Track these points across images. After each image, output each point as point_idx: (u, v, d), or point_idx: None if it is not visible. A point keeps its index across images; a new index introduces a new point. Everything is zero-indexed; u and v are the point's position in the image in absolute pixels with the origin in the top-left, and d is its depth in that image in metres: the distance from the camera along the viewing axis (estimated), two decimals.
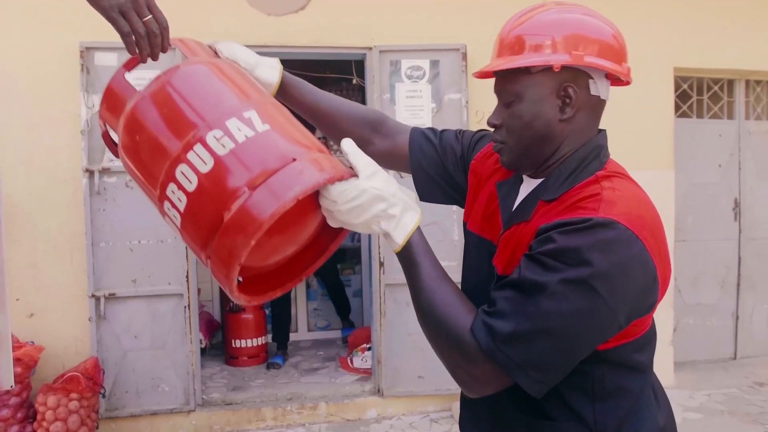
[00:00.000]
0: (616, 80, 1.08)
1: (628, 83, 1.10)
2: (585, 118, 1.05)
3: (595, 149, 1.05)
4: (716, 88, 4.49)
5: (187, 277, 3.57)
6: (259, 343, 4.51)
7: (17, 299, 3.46)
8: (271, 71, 1.20)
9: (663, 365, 4.21)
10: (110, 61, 3.46)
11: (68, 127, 3.43)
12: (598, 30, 1.03)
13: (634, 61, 3.51)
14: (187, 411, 3.59)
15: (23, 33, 3.43)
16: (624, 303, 0.91)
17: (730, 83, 4.53)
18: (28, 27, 3.44)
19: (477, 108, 3.91)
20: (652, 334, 1.04)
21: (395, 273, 3.75)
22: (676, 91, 4.41)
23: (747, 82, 4.57)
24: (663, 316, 4.20)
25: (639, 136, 4.13)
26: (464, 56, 3.75)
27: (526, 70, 1.01)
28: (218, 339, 4.98)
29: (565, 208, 0.97)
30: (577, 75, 1.01)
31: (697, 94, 4.47)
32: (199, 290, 4.88)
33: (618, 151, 3.68)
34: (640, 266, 0.91)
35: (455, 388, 3.51)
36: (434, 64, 3.78)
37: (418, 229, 1.00)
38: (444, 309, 0.97)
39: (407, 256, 1.00)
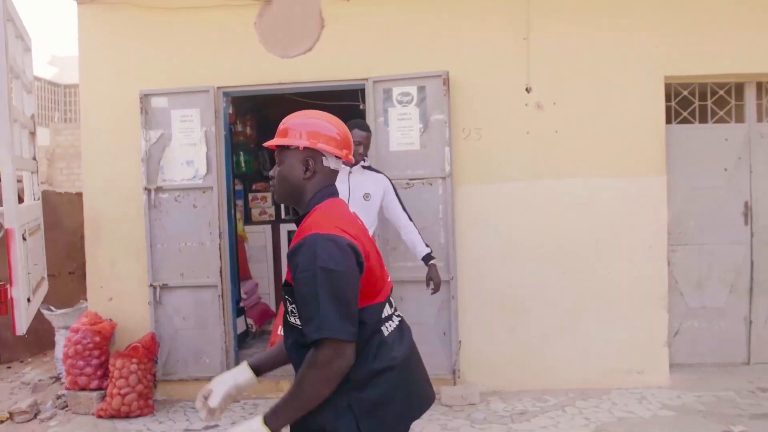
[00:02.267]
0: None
1: (350, 161, 1.81)
2: (321, 177, 1.74)
3: (321, 194, 1.74)
4: (722, 92, 4.56)
5: (220, 272, 4.55)
6: None
7: (101, 287, 4.68)
8: (245, 374, 1.82)
9: (657, 366, 4.45)
10: (162, 103, 4.54)
11: (133, 156, 4.55)
12: (328, 130, 1.75)
13: (624, 73, 4.04)
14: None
15: (103, 84, 4.63)
16: (348, 263, 1.56)
17: (739, 87, 4.57)
18: (105, 79, 4.63)
19: (463, 126, 4.46)
20: (377, 306, 1.68)
21: (393, 272, 4.41)
22: (675, 98, 4.57)
23: (759, 84, 4.57)
24: (657, 318, 4.43)
25: (630, 144, 4.39)
26: (445, 81, 4.33)
27: (287, 147, 1.74)
28: (271, 326, 5.96)
29: (298, 233, 1.67)
30: (315, 153, 1.72)
31: (701, 100, 4.57)
32: (256, 284, 5.91)
33: (609, 159, 4.15)
34: (350, 248, 1.58)
35: (442, 374, 4.13)
36: (421, 89, 4.40)
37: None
38: (311, 386, 1.53)
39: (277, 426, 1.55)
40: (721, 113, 4.59)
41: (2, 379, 5.28)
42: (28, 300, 2.71)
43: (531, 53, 4.40)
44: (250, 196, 6.15)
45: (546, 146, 4.43)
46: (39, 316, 5.17)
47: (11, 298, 2.46)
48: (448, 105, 4.34)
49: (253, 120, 6.25)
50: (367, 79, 4.45)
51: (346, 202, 3.35)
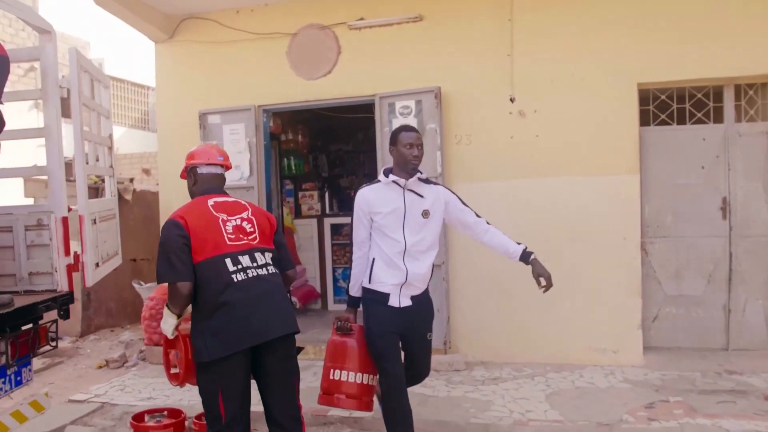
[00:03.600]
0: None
1: (227, 167, 2.89)
2: (201, 183, 2.90)
3: (198, 195, 2.88)
4: (700, 95, 5.01)
5: None
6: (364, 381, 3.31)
7: None
8: None
9: (632, 347, 5.01)
10: (216, 120, 5.79)
11: None
12: (193, 153, 2.95)
13: (599, 81, 4.83)
14: None
15: (172, 105, 5.98)
16: (173, 240, 2.65)
17: (718, 89, 4.99)
18: (174, 101, 5.97)
19: (455, 132, 5.30)
20: (209, 260, 2.70)
21: None
22: (654, 102, 5.09)
23: (737, 86, 4.96)
24: (631, 304, 5.00)
25: (604, 146, 5.00)
26: (437, 95, 5.18)
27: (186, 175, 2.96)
28: (317, 306, 7.08)
29: None
30: (193, 170, 2.89)
31: (680, 103, 5.05)
32: (304, 269, 7.06)
33: (585, 160, 4.97)
34: (173, 225, 2.67)
35: (435, 345, 4.98)
36: (418, 103, 5.28)
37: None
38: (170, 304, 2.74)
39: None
40: (699, 115, 5.03)
41: (106, 339, 6.86)
42: (97, 264, 3.97)
43: (514, 67, 5.14)
44: (300, 194, 7.31)
45: (528, 149, 5.14)
46: (136, 292, 6.68)
47: (82, 262, 3.72)
48: (439, 115, 5.19)
49: (305, 130, 7.42)
50: (375, 96, 5.41)
51: (402, 221, 3.19)
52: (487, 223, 3.42)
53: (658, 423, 3.86)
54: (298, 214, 7.21)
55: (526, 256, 3.39)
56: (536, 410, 4.16)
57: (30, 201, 7.04)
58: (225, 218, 2.80)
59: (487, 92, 5.22)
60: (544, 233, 5.12)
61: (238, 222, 2.83)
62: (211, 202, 2.85)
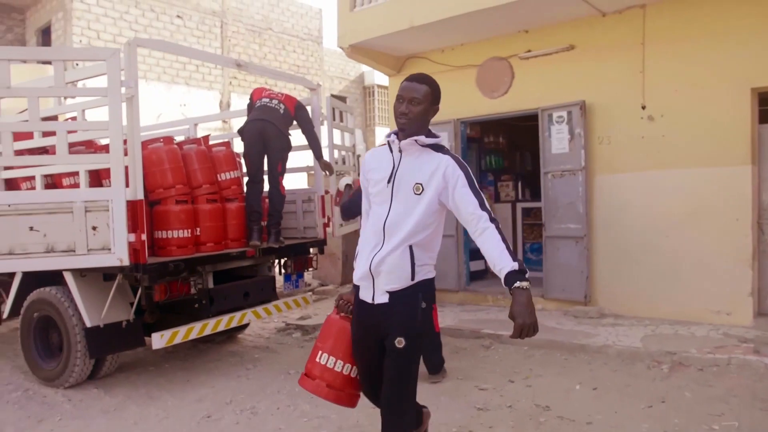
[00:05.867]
0: None
1: None
2: None
3: None
4: None
5: (456, 229, 8.09)
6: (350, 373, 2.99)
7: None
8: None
9: (743, 310, 6.16)
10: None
11: None
12: None
13: (716, 87, 7.09)
14: (456, 290, 8.12)
15: None
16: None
17: None
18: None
19: (598, 135, 6.99)
20: None
21: (553, 231, 7.27)
22: None
23: None
24: (743, 274, 6.18)
25: (721, 142, 6.22)
26: (581, 107, 6.93)
27: None
28: None
29: None
30: None
31: None
32: None
33: (704, 154, 7.17)
34: None
35: (577, 298, 7.25)
36: (569, 113, 7.08)
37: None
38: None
39: None
40: None
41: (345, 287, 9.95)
42: (341, 225, 6.78)
43: (645, 81, 6.62)
44: (498, 184, 9.44)
45: (656, 146, 6.58)
46: None
47: (333, 221, 6.55)
48: (583, 122, 6.93)
49: (504, 134, 9.56)
50: (538, 108, 7.35)
51: (390, 192, 2.57)
52: (491, 220, 2.52)
53: (712, 356, 5.22)
54: (497, 199, 9.39)
55: (510, 280, 2.43)
56: (626, 342, 5.78)
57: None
58: None
59: (623, 102, 6.78)
60: (668, 213, 6.54)
61: None
62: None
